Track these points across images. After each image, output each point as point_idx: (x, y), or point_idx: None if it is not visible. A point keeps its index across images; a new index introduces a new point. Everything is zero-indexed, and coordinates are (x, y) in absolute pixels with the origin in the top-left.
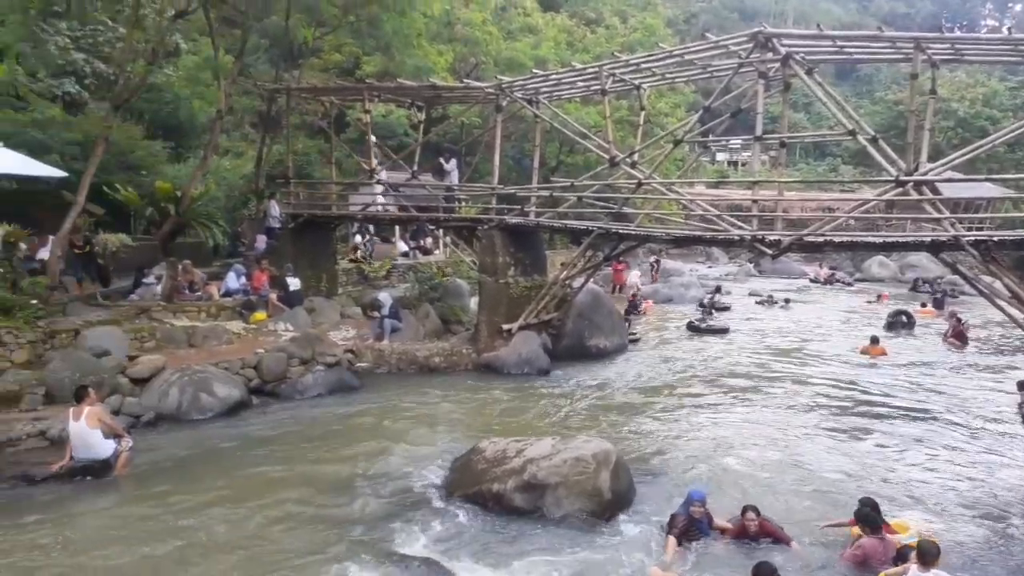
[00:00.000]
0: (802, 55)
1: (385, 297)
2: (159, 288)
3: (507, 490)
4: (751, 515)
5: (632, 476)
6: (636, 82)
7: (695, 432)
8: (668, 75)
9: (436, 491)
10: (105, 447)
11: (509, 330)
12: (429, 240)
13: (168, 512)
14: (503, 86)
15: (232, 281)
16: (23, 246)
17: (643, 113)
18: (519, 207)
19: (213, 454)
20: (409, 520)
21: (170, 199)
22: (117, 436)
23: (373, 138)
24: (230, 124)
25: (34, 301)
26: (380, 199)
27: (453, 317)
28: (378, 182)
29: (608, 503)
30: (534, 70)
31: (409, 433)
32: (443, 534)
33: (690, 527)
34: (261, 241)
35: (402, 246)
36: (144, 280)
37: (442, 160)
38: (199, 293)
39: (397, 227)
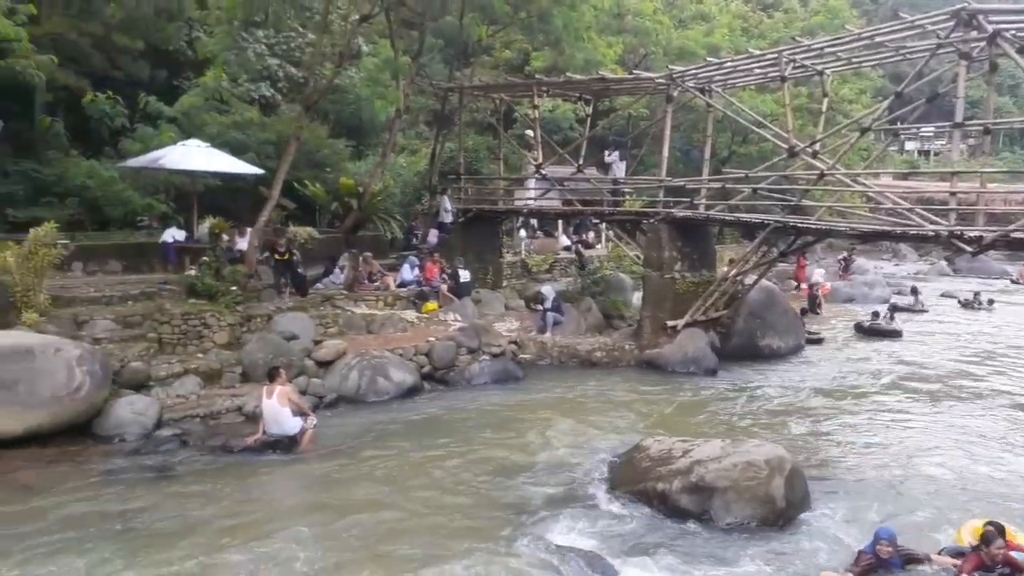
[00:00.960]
0: (1012, 32)
1: (548, 290)
2: (341, 278)
3: (672, 490)
4: (999, 542)
5: (808, 485)
6: (819, 67)
7: (879, 441)
8: (854, 59)
9: (597, 485)
10: (293, 424)
11: (674, 327)
12: (592, 234)
13: (345, 487)
14: (674, 76)
15: (406, 272)
16: (225, 237)
17: (825, 100)
18: (688, 200)
19: (388, 435)
20: (570, 512)
21: (352, 194)
22: (304, 414)
23: (530, 132)
24: (406, 123)
25: (234, 288)
26: (532, 194)
27: (615, 312)
28: (543, 177)
29: (781, 511)
30: (707, 58)
31: (571, 426)
32: (604, 529)
33: (876, 567)
34: (433, 235)
35: (564, 240)
36: (335, 269)
37: (607, 153)
38: (377, 283)
39: (560, 221)
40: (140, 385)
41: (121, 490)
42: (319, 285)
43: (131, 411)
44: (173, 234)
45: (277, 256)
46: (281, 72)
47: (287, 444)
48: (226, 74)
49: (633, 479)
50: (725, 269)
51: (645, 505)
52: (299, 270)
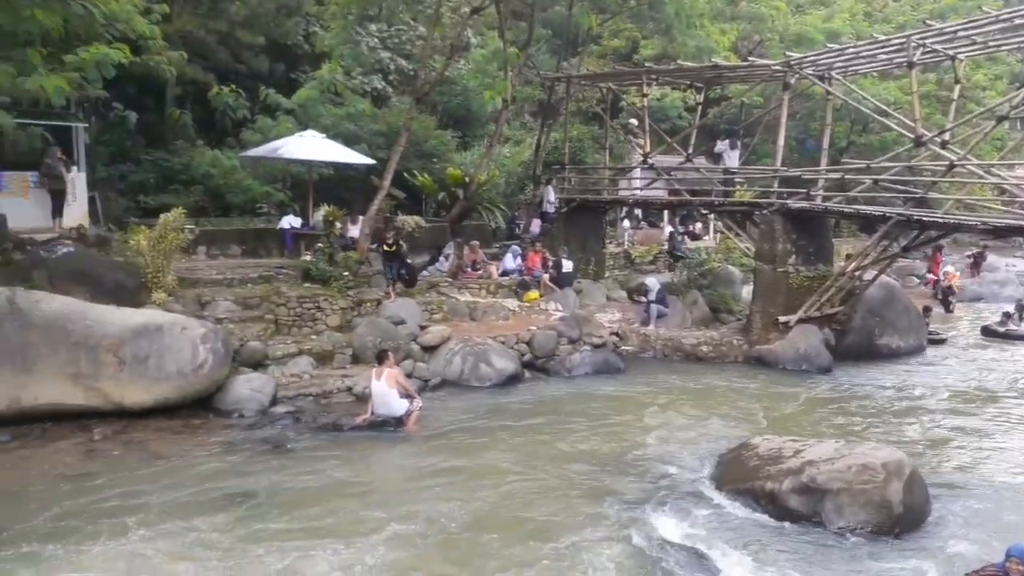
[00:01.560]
0: None
1: (652, 282)
2: (446, 266)
3: (781, 490)
4: None
5: (928, 492)
6: (951, 52)
7: (1007, 448)
8: (991, 43)
9: (701, 481)
10: (400, 405)
11: (786, 322)
12: (699, 225)
13: (447, 470)
14: (792, 62)
15: (509, 262)
16: (338, 225)
17: (957, 87)
18: (804, 191)
19: (490, 421)
20: (672, 506)
21: (459, 184)
22: (409, 396)
23: (635, 121)
24: (511, 113)
25: (346, 273)
26: (637, 184)
27: (723, 306)
28: (650, 166)
29: (898, 518)
30: (826, 44)
31: (673, 420)
32: (708, 525)
33: None
34: (536, 224)
35: (670, 231)
36: (440, 258)
37: (719, 142)
38: (480, 272)
39: (665, 212)
40: (257, 364)
41: (240, 460)
42: (425, 273)
43: (249, 388)
44: (290, 221)
45: (385, 248)
46: (392, 65)
47: (394, 424)
48: (340, 67)
49: (740, 477)
50: (842, 264)
51: (751, 504)
52: (407, 261)
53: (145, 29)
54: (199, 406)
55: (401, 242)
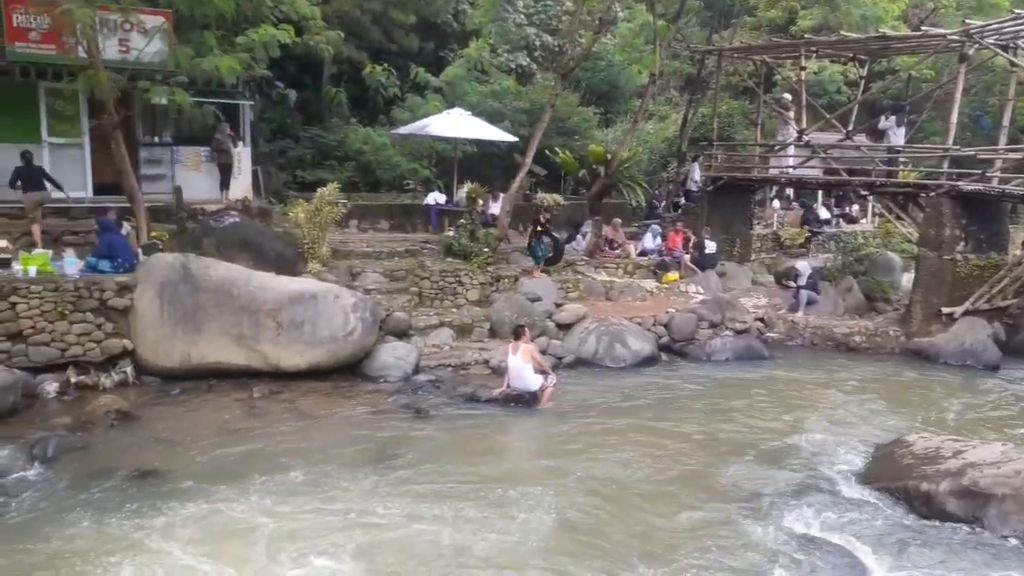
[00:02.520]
0: None
1: (803, 266)
2: (584, 244)
3: (939, 492)
4: None
5: None
6: None
7: None
8: None
9: (847, 477)
10: (535, 380)
11: (951, 314)
12: (856, 207)
13: (578, 448)
14: (971, 31)
15: (648, 241)
16: (480, 202)
17: None
18: (978, 172)
19: (624, 401)
20: (814, 501)
21: (600, 161)
22: (544, 372)
23: (788, 96)
24: (657, 88)
25: (486, 249)
26: (791, 162)
27: (879, 294)
28: (806, 144)
29: None
30: (1014, 10)
31: (818, 411)
32: (853, 523)
33: None
34: (678, 203)
35: (824, 212)
36: (577, 236)
37: (883, 118)
38: (618, 251)
39: (819, 192)
40: (402, 333)
41: (384, 422)
42: None
43: (394, 356)
44: (435, 197)
45: (539, 227)
46: (538, 41)
47: (528, 399)
48: (488, 44)
49: (891, 475)
50: (1018, 252)
51: (902, 504)
52: (556, 237)
53: (306, 10)
54: (347, 371)
55: (549, 224)
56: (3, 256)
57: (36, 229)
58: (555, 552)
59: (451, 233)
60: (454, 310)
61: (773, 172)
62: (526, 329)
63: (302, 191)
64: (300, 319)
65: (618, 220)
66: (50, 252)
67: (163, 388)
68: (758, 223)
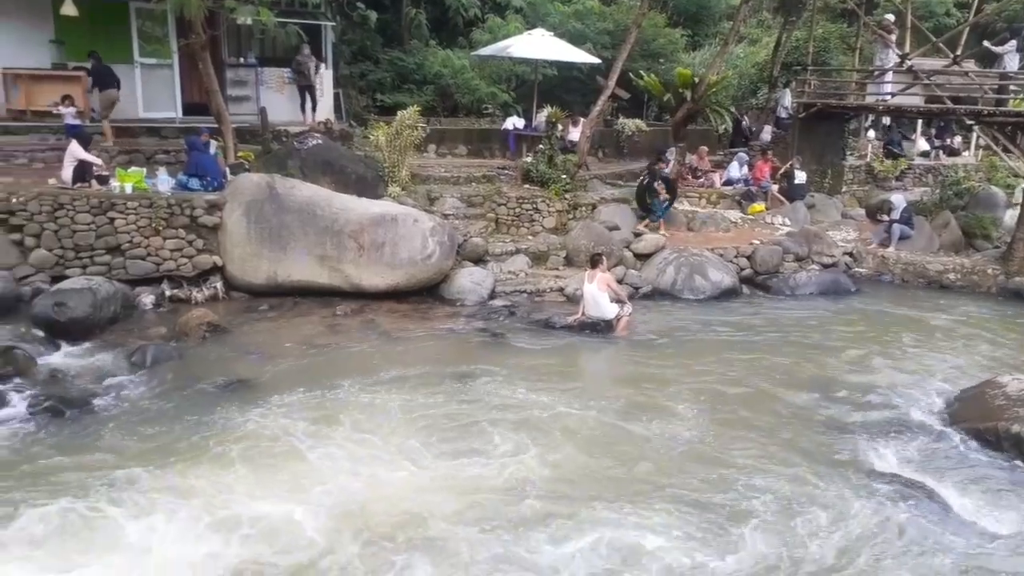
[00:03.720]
0: None
1: (899, 199)
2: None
3: None
4: None
5: None
6: None
7: None
8: None
9: (932, 417)
10: (610, 309)
11: None
12: (958, 139)
13: (653, 372)
14: None
15: (734, 170)
16: (559, 127)
17: None
18: None
19: (702, 333)
20: (897, 439)
21: (687, 86)
22: (620, 302)
23: (891, 17)
24: (749, 9)
25: (564, 176)
26: (889, 88)
27: (979, 230)
28: (907, 70)
29: None
30: None
31: (905, 350)
32: (939, 463)
33: None
34: (766, 131)
35: (923, 144)
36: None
37: (1003, 42)
38: (702, 180)
39: (919, 122)
40: (478, 259)
41: (460, 344)
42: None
43: (470, 281)
44: (514, 122)
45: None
46: None
47: (603, 327)
48: None
49: (980, 416)
50: None
51: (991, 445)
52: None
53: None
54: (425, 293)
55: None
56: (101, 173)
57: (107, 126)
58: (634, 475)
59: (529, 159)
60: (530, 237)
61: (870, 100)
62: (603, 257)
63: (381, 115)
64: (381, 241)
65: (704, 148)
66: (144, 170)
67: (251, 304)
68: (851, 154)
